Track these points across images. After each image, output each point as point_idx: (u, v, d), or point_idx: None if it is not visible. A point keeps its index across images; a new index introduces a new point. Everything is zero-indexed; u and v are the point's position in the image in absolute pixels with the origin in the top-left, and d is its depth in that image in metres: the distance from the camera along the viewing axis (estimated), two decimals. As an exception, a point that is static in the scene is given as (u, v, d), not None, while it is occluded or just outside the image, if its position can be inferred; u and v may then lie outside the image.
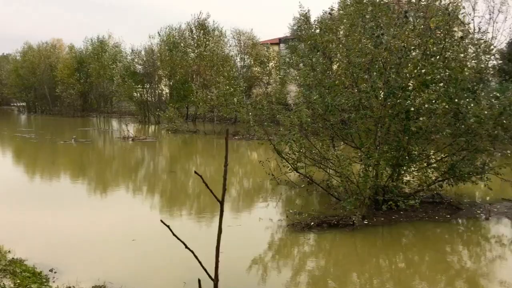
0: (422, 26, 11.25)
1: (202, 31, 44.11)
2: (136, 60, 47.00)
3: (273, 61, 43.02)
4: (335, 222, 10.54)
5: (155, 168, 21.62)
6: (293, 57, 30.72)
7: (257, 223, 11.37)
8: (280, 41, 47.67)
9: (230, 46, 46.10)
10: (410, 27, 11.38)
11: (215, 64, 39.45)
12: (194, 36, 44.67)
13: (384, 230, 10.74)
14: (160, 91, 48.09)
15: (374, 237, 10.32)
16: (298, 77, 21.80)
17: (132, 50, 47.82)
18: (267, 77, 43.15)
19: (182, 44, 44.04)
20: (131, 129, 35.51)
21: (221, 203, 1.36)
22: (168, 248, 8.59)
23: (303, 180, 13.30)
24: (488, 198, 13.49)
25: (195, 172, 1.40)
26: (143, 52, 46.46)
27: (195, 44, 44.15)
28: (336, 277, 8.38)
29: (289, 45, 36.80)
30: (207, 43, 42.98)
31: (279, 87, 38.88)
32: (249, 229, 11.18)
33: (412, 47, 11.20)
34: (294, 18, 39.34)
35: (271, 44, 47.36)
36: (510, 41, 34.75)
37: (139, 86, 45.58)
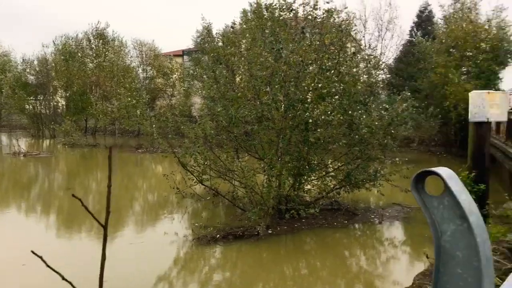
0: (318, 42, 11.86)
1: (101, 40, 42.44)
2: (28, 70, 43.82)
3: (176, 73, 42.63)
4: (241, 233, 10.62)
5: (50, 186, 20.22)
6: (197, 69, 30.67)
7: (162, 238, 11.08)
8: (183, 53, 47.44)
9: (132, 57, 44.92)
10: (307, 42, 11.95)
11: (115, 75, 38.08)
12: (93, 46, 42.83)
13: (287, 238, 11.04)
14: (55, 103, 45.19)
15: (278, 246, 10.56)
16: (202, 89, 21.83)
17: (23, 59, 44.56)
18: (171, 89, 42.61)
19: (79, 54, 41.96)
20: (22, 144, 32.86)
21: (105, 228, 1.26)
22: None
23: (208, 193, 13.26)
24: (381, 203, 14.47)
25: (73, 195, 1.30)
26: (35, 62, 43.50)
27: (94, 54, 42.33)
28: (241, 288, 8.44)
29: (192, 57, 36.75)
30: (106, 53, 41.39)
31: (183, 99, 38.56)
32: (154, 245, 10.86)
33: (309, 62, 11.75)
34: (197, 31, 39.40)
35: (174, 55, 46.95)
36: (397, 57, 37.96)
37: (31, 98, 42.45)
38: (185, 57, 46.19)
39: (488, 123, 11.14)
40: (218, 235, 10.55)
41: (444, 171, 1.05)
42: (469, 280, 1.02)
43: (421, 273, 2.48)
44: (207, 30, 17.62)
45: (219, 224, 11.49)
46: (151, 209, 15.46)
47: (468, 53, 26.67)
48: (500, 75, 28.55)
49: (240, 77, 13.56)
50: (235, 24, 18.26)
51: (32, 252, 1.45)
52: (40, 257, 1.50)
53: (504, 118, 11.94)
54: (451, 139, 29.74)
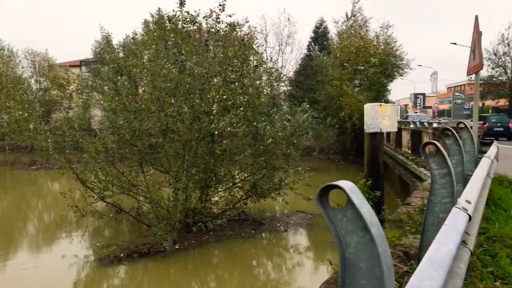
0: (221, 55, 11.96)
1: (-14, 49, 38.96)
2: None
3: (73, 84, 40.35)
4: (146, 251, 10.26)
5: None
6: (97, 80, 29.38)
7: (59, 262, 10.33)
8: (81, 63, 45.14)
9: (23, 67, 41.74)
10: (211, 55, 11.99)
11: (4, 87, 35.11)
12: (-25, 55, 39.15)
13: (195, 252, 10.88)
14: None
15: (185, 261, 10.37)
16: (102, 101, 20.91)
17: None
18: (68, 101, 40.20)
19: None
20: None
21: None
22: None
23: (111, 210, 12.67)
24: (285, 211, 14.87)
25: None
26: None
27: (-22, 64, 38.68)
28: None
29: (91, 67, 35.09)
30: (-6, 63, 38.04)
31: (81, 111, 36.54)
32: (51, 269, 10.10)
33: (214, 74, 11.78)
34: (96, 41, 37.74)
35: (71, 66, 44.45)
36: (296, 70, 39.58)
37: None
38: (83, 67, 43.95)
39: (381, 134, 11.99)
40: (122, 254, 10.08)
41: (346, 184, 1.08)
42: (373, 290, 1.06)
43: (326, 282, 2.55)
44: (107, 40, 16.96)
45: (123, 242, 11.00)
46: (47, 230, 14.40)
47: (360, 67, 28.61)
48: (389, 87, 31.02)
49: (143, 88, 13.21)
50: (136, 34, 17.81)
51: None
52: None
53: (394, 129, 12.92)
54: (348, 147, 31.64)
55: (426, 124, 19.52)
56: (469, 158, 3.74)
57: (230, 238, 11.76)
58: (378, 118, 11.05)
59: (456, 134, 3.14)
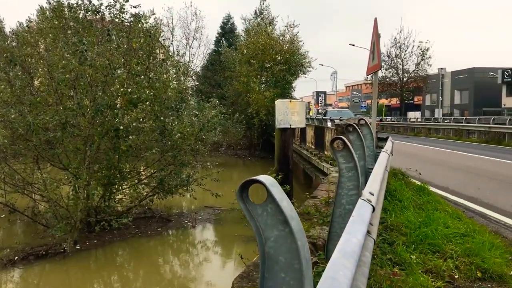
0: (125, 46, 11.50)
1: None
2: None
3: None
4: (44, 252, 9.58)
5: None
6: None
7: None
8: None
9: None
10: (114, 45, 11.49)
11: None
12: None
13: (98, 252, 10.40)
14: None
15: (87, 262, 9.87)
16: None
17: None
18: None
19: None
20: None
21: None
22: None
23: (3, 209, 11.65)
24: (193, 207, 14.78)
25: None
26: None
27: None
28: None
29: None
30: None
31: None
32: None
33: (118, 66, 11.32)
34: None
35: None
36: (204, 65, 39.40)
37: None
38: (-32, 54, 39.78)
39: (291, 129, 12.35)
40: (16, 257, 9.32)
41: (266, 179, 1.09)
42: (291, 283, 1.08)
43: (239, 276, 2.57)
44: (-3, 26, 15.52)
45: (17, 244, 10.19)
46: None
47: (266, 64, 29.23)
48: (293, 85, 32.08)
49: (40, 80, 12.28)
50: (30, 21, 16.48)
51: None
52: None
53: (302, 125, 13.36)
54: (254, 142, 32.27)
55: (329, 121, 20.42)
56: (369, 152, 3.99)
57: (136, 237, 11.40)
58: (288, 114, 11.39)
59: (359, 130, 3.33)
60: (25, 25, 17.22)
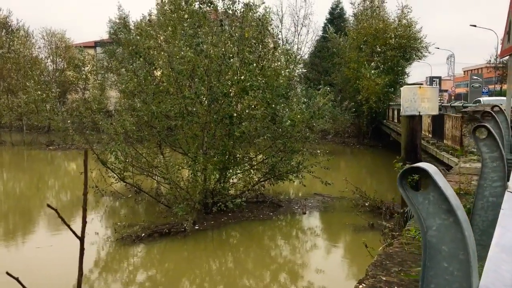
0: (237, 35, 11.83)
1: (4, 30, 39.16)
2: None
3: (89, 65, 40.48)
4: (167, 231, 10.37)
5: None
6: (112, 61, 29.39)
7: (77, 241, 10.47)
8: (95, 44, 45.18)
9: (39, 47, 41.92)
10: (227, 35, 11.89)
11: (22, 67, 35.36)
12: (-6, 35, 39.40)
13: (214, 233, 10.98)
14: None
15: (204, 241, 10.47)
16: (117, 83, 20.94)
17: None
18: (84, 82, 40.39)
19: (-23, 44, 38.39)
20: None
21: (81, 240, 1.15)
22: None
23: (130, 190, 12.80)
24: (300, 194, 14.89)
25: (48, 205, 1.16)
26: None
27: (-5, 44, 38.93)
28: (166, 286, 8.27)
29: (106, 48, 35.08)
30: (11, 43, 38.27)
31: (98, 92, 36.72)
32: (70, 248, 10.24)
33: (231, 55, 11.70)
34: (110, 21, 37.56)
35: (86, 47, 44.53)
36: (312, 52, 39.17)
37: None
38: (98, 48, 44.00)
39: (419, 117, 11.76)
40: (143, 234, 10.21)
41: (429, 167, 1.06)
42: (455, 273, 1.05)
43: (372, 264, 2.55)
44: (124, 21, 16.89)
45: (143, 222, 11.14)
46: (65, 209, 14.57)
47: (378, 49, 28.19)
48: (407, 70, 30.56)
49: (161, 70, 13.19)
50: (151, 15, 17.69)
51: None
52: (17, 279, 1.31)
53: (435, 112, 12.55)
54: (363, 130, 31.40)
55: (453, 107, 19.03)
56: (506, 143, 3.66)
57: (248, 220, 11.82)
58: (417, 100, 10.88)
59: (496, 117, 3.08)
60: (147, 19, 18.58)
